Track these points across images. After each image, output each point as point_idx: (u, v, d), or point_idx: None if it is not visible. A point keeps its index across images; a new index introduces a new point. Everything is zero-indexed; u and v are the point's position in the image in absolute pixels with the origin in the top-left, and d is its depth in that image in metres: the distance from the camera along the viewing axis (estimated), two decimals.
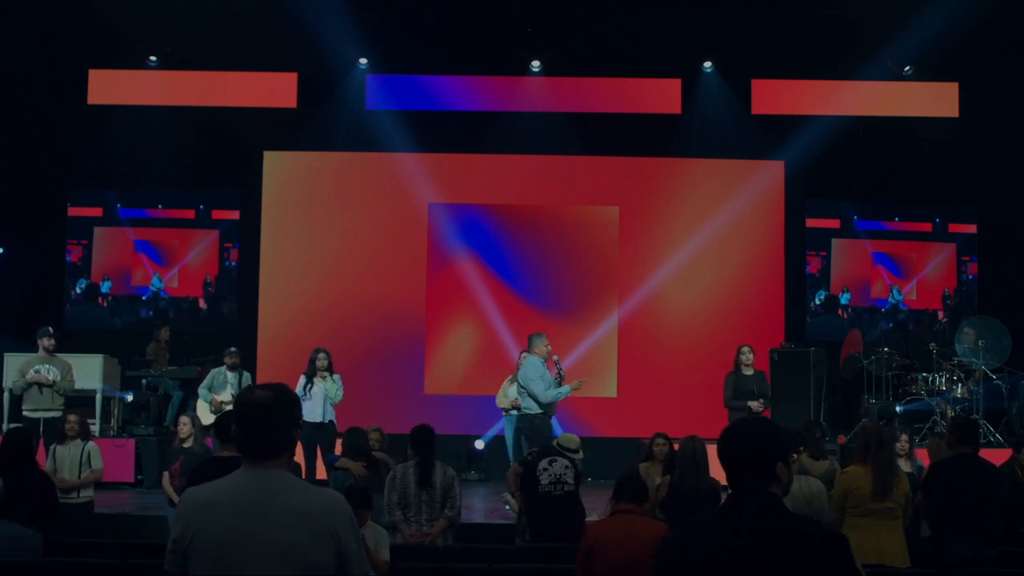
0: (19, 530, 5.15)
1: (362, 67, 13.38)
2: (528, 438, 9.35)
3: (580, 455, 7.54)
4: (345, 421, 9.91)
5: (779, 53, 13.02)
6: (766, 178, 13.57)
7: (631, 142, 13.49)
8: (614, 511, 5.13)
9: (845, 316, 13.84)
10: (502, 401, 10.22)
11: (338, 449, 8.46)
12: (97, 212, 13.90)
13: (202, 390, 10.74)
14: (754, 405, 9.98)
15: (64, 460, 8.19)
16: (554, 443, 7.68)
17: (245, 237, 13.79)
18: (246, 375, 10.95)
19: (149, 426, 11.78)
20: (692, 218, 13.46)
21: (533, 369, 9.43)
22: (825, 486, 6.46)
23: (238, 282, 13.87)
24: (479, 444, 12.52)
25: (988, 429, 11.28)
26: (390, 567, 5.62)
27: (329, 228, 13.58)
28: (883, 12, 12.25)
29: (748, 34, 13.00)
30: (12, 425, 10.55)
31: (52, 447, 8.42)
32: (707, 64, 13.45)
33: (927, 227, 14.03)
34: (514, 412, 10.06)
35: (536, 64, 13.34)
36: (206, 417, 10.36)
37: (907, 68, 13.18)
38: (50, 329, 10.11)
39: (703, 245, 13.39)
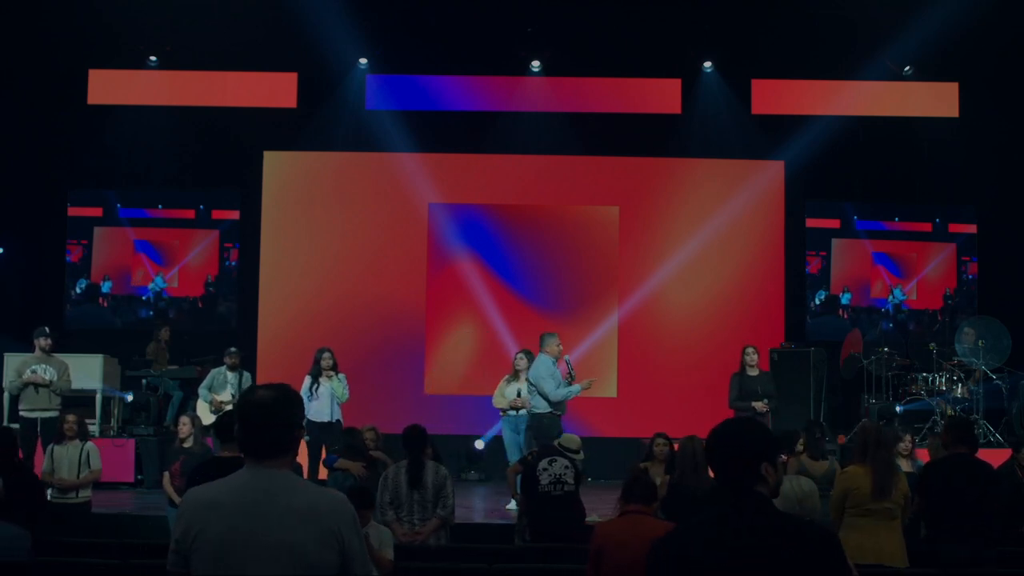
0: (14, 530, 5.16)
1: (362, 67, 13.38)
2: (536, 437, 9.36)
3: (581, 456, 7.55)
4: (345, 421, 9.94)
5: (779, 53, 13.01)
6: (766, 178, 13.57)
7: (631, 142, 13.49)
8: (623, 511, 5.13)
9: (845, 316, 13.84)
10: (499, 402, 10.20)
11: None
12: (97, 212, 13.90)
13: (202, 390, 10.74)
14: (758, 406, 9.99)
15: (63, 460, 8.20)
16: (555, 443, 7.69)
17: (245, 237, 13.79)
18: (246, 375, 10.96)
19: (149, 426, 11.78)
20: (692, 218, 13.46)
21: (544, 367, 9.48)
22: (826, 486, 6.46)
23: (238, 282, 13.87)
24: (479, 444, 12.52)
25: (988, 429, 11.29)
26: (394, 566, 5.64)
27: (329, 228, 13.58)
28: (883, 12, 12.25)
29: (748, 34, 13.00)
30: (11, 425, 10.57)
31: (50, 447, 8.43)
32: (707, 64, 13.45)
33: (927, 227, 14.03)
34: (511, 412, 10.04)
35: (536, 64, 13.34)
36: (206, 417, 10.36)
37: (907, 68, 13.18)
38: (46, 329, 10.11)
39: (703, 245, 13.38)
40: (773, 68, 13.26)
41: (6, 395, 10.83)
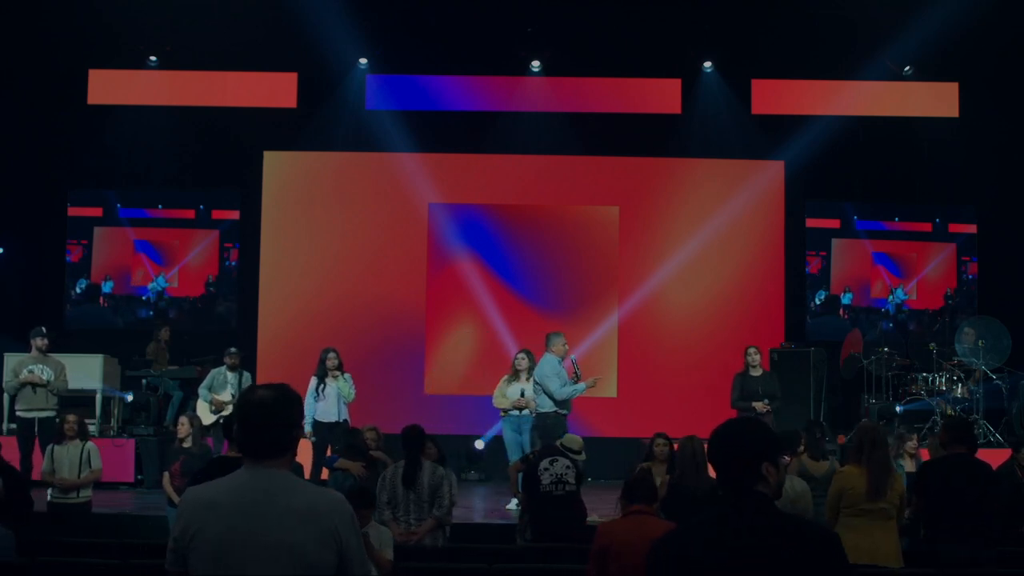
0: (1, 530, 5.19)
1: (362, 67, 13.38)
2: (541, 437, 9.37)
3: (583, 457, 7.55)
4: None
5: (779, 53, 13.01)
6: (766, 178, 13.57)
7: (631, 142, 13.49)
8: (627, 511, 5.13)
9: (845, 316, 13.84)
10: (501, 402, 10.19)
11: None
12: (97, 212, 13.90)
13: (202, 390, 10.74)
14: (758, 406, 10.07)
15: (63, 460, 8.20)
16: (557, 443, 7.70)
17: (245, 237, 13.79)
18: (246, 375, 10.95)
19: (149, 426, 11.78)
20: (692, 218, 13.46)
21: (549, 366, 9.53)
22: (827, 487, 6.45)
23: (238, 282, 13.87)
24: (479, 444, 12.51)
25: (988, 429, 11.29)
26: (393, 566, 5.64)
27: (329, 228, 13.58)
28: (883, 12, 12.25)
29: (748, 34, 12.99)
30: (11, 426, 10.57)
31: (50, 447, 8.42)
32: (707, 64, 13.45)
33: (927, 227, 14.03)
34: (514, 412, 10.02)
35: (536, 64, 13.34)
36: (206, 417, 10.37)
37: (907, 68, 13.18)
38: (43, 329, 10.11)
39: (703, 245, 13.38)
40: (773, 68, 13.26)
41: (7, 396, 10.82)
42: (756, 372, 10.32)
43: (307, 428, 9.98)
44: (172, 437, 9.56)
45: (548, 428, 9.34)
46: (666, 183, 13.71)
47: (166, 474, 8.37)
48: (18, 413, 9.97)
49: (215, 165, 13.64)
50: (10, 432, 10.55)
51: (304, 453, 9.54)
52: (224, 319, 13.88)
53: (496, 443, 12.09)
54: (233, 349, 10.93)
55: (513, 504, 9.70)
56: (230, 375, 10.72)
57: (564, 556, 6.13)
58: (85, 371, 11.35)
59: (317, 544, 2.77)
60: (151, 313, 13.76)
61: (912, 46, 12.45)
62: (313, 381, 9.97)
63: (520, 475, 7.74)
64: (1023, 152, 12.91)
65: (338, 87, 13.42)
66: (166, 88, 13.27)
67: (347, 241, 13.56)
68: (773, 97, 13.49)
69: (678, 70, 13.38)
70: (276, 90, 13.39)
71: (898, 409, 11.81)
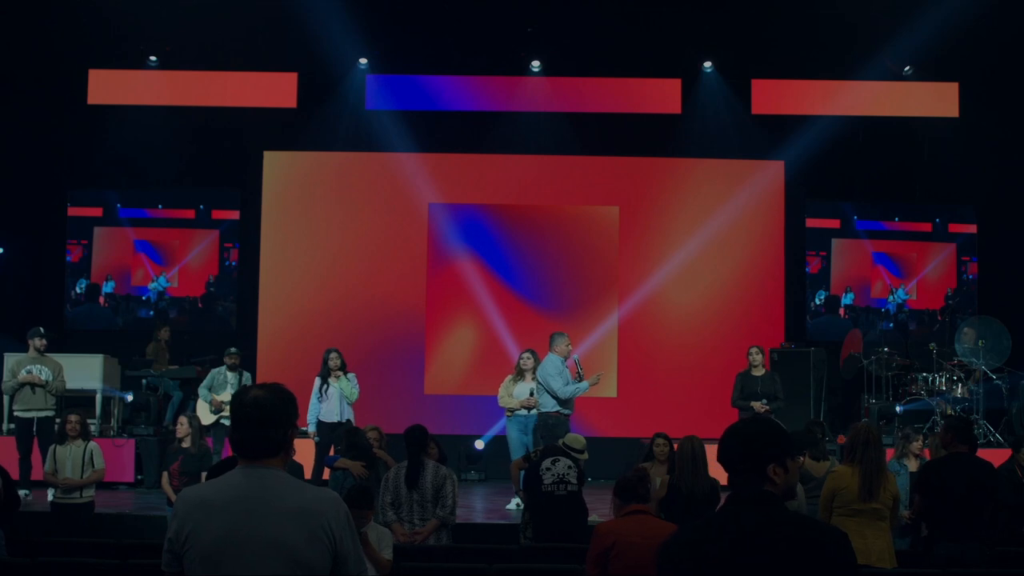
0: None
1: (362, 67, 13.38)
2: (544, 437, 9.38)
3: (585, 456, 7.55)
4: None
5: (779, 53, 13.01)
6: (766, 178, 13.57)
7: (631, 142, 13.49)
8: (626, 511, 5.11)
9: (846, 316, 13.84)
10: (508, 402, 10.16)
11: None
12: (97, 212, 13.90)
13: (202, 390, 10.74)
14: (756, 406, 10.16)
15: (66, 460, 8.20)
16: (559, 443, 7.70)
17: (245, 237, 13.79)
18: (246, 375, 10.96)
19: (149, 426, 11.79)
20: (692, 218, 13.46)
21: (552, 366, 9.55)
22: None
23: (238, 282, 13.87)
24: (479, 444, 12.51)
25: (988, 429, 11.29)
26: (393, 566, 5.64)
27: (329, 228, 13.58)
28: (883, 12, 12.25)
29: (748, 34, 12.98)
30: (10, 426, 10.57)
31: (52, 447, 8.42)
32: (707, 64, 13.45)
33: (927, 227, 14.04)
34: (522, 412, 10.00)
35: (536, 64, 13.34)
36: (206, 417, 10.37)
37: (907, 68, 13.17)
38: (41, 329, 10.12)
39: (703, 245, 13.38)
40: (773, 68, 13.26)
41: (7, 396, 10.82)
42: (758, 372, 10.38)
43: (311, 428, 9.99)
44: (172, 437, 9.56)
45: (550, 428, 9.36)
46: (666, 183, 13.71)
47: (165, 474, 8.38)
48: (16, 413, 9.97)
49: (215, 165, 13.64)
50: (9, 432, 10.56)
51: (305, 453, 9.55)
52: (224, 319, 13.88)
53: (496, 443, 12.11)
54: (233, 349, 10.93)
55: (513, 504, 9.71)
56: (230, 375, 10.72)
57: (565, 556, 6.13)
58: (85, 371, 11.35)
59: (310, 543, 2.77)
60: (151, 313, 13.76)
61: (912, 46, 12.45)
62: (317, 382, 10.01)
63: (522, 473, 7.74)
64: (1023, 152, 12.91)
65: (338, 87, 13.42)
66: (166, 88, 13.27)
67: (347, 241, 13.56)
68: (773, 97, 13.48)
69: (678, 70, 13.37)
70: (276, 90, 13.39)
71: (898, 409, 11.81)
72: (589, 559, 4.97)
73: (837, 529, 2.58)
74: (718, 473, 7.44)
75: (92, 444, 8.35)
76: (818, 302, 13.89)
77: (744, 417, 10.07)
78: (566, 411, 9.58)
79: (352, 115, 13.47)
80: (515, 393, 10.12)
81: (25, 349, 10.22)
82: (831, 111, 13.13)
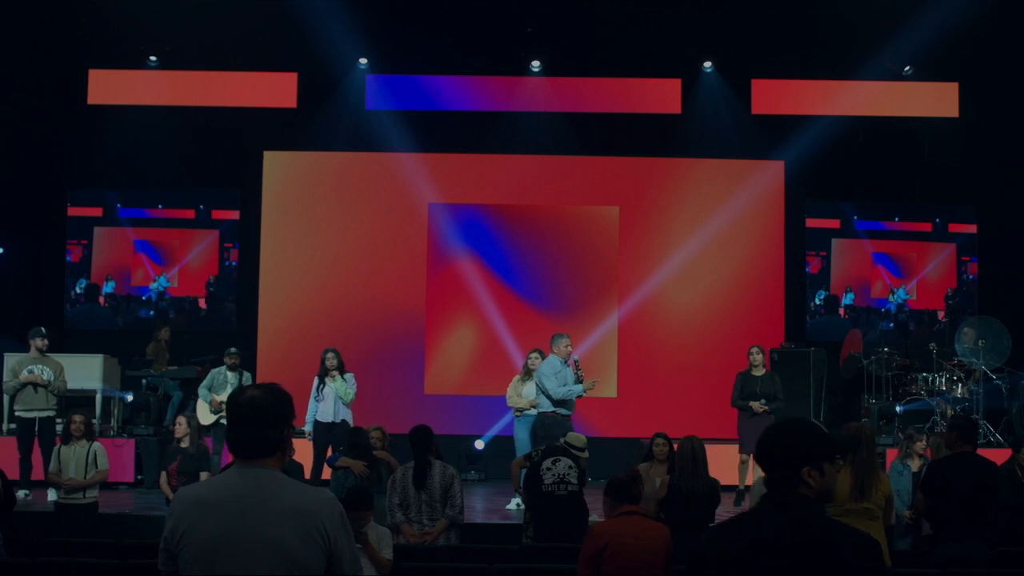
0: None
1: (362, 67, 13.38)
2: (540, 437, 9.39)
3: (586, 454, 7.56)
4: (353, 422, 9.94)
5: (779, 53, 13.01)
6: (766, 178, 13.57)
7: (631, 142, 13.49)
8: (619, 512, 5.11)
9: (846, 316, 13.84)
10: (517, 401, 10.19)
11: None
12: (97, 212, 13.90)
13: (202, 390, 10.74)
14: (755, 406, 10.19)
15: (70, 460, 8.20)
16: (561, 441, 7.70)
17: (245, 237, 13.79)
18: (246, 375, 10.96)
19: (149, 426, 11.79)
20: (692, 218, 13.46)
21: (549, 367, 9.57)
22: None
23: (238, 282, 13.87)
24: (479, 444, 12.51)
25: (988, 429, 11.29)
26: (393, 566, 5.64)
27: (329, 228, 13.58)
28: (883, 12, 12.25)
29: (748, 34, 12.98)
30: (10, 426, 10.57)
31: (56, 447, 8.42)
32: (707, 64, 13.45)
33: (927, 227, 14.04)
34: (530, 412, 10.01)
35: (536, 64, 13.34)
36: (206, 417, 10.38)
37: (907, 68, 13.17)
38: (43, 329, 10.11)
39: (703, 245, 13.38)
40: (773, 68, 13.26)
41: (7, 396, 10.82)
42: (758, 372, 10.41)
43: (307, 428, 9.99)
44: (172, 437, 9.57)
45: (546, 428, 9.36)
46: (666, 183, 13.71)
47: (163, 474, 8.38)
48: (17, 413, 9.96)
49: (215, 165, 13.64)
50: (10, 432, 10.56)
51: (306, 453, 9.56)
52: (224, 319, 13.88)
53: (496, 443, 12.12)
54: (233, 349, 10.93)
55: (513, 504, 9.71)
56: (230, 375, 10.72)
57: (565, 556, 6.12)
58: (85, 371, 11.34)
59: (304, 542, 2.77)
60: (151, 313, 13.76)
61: (912, 46, 12.45)
62: (315, 382, 10.01)
63: (523, 472, 7.74)
64: (1023, 152, 12.91)
65: (338, 87, 13.42)
66: (166, 88, 13.27)
67: (347, 241, 13.56)
68: (773, 97, 13.48)
69: (678, 70, 13.37)
70: (276, 90, 13.39)
71: (898, 409, 11.82)
72: (582, 559, 4.97)
73: (866, 536, 2.58)
74: (718, 473, 7.46)
75: (96, 444, 8.35)
76: (818, 302, 13.89)
77: (748, 416, 10.14)
78: (563, 412, 9.57)
79: (352, 115, 13.47)
80: (524, 393, 10.17)
81: (25, 349, 10.21)
82: (831, 111, 13.13)
